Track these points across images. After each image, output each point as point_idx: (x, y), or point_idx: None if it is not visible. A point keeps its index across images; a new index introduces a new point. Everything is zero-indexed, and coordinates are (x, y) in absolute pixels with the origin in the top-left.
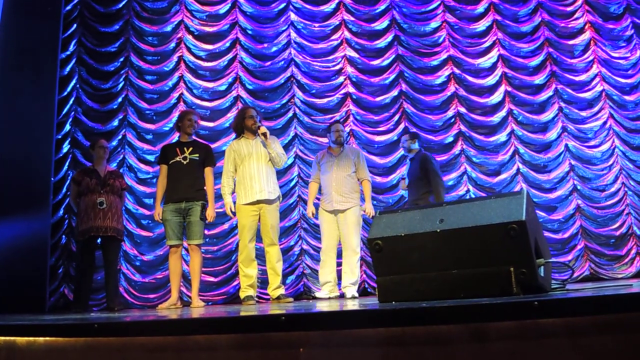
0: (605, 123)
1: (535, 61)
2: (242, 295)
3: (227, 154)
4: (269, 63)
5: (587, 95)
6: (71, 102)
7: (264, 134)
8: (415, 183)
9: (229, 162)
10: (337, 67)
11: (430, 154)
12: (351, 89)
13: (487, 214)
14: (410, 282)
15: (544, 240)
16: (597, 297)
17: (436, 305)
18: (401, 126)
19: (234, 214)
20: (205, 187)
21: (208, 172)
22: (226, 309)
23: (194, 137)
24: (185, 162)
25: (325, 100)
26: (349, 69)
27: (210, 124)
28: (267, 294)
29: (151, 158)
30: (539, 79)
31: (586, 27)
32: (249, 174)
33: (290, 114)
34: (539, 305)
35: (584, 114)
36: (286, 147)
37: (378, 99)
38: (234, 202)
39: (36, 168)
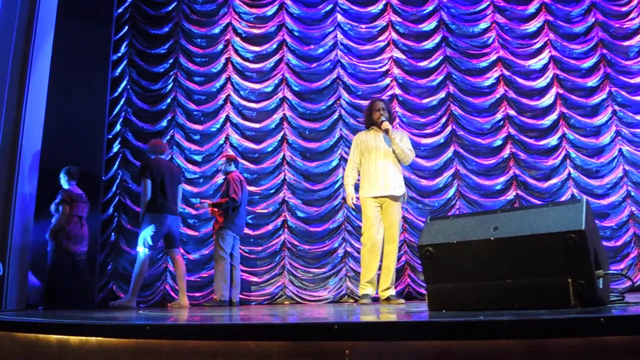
0: None
1: (588, 63)
2: (360, 292)
3: (354, 145)
4: (315, 65)
5: None
6: (122, 102)
7: (386, 130)
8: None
9: (355, 153)
10: (384, 69)
11: (239, 175)
12: (398, 91)
13: (544, 222)
14: (461, 291)
15: (603, 250)
16: None
17: (495, 319)
18: (448, 128)
19: (357, 206)
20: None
21: None
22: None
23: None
24: None
25: None
26: (396, 71)
27: (257, 125)
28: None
29: (198, 158)
30: (592, 81)
31: None
32: (374, 168)
33: (335, 115)
34: (606, 322)
35: (638, 117)
36: (331, 149)
37: (425, 100)
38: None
39: (87, 167)
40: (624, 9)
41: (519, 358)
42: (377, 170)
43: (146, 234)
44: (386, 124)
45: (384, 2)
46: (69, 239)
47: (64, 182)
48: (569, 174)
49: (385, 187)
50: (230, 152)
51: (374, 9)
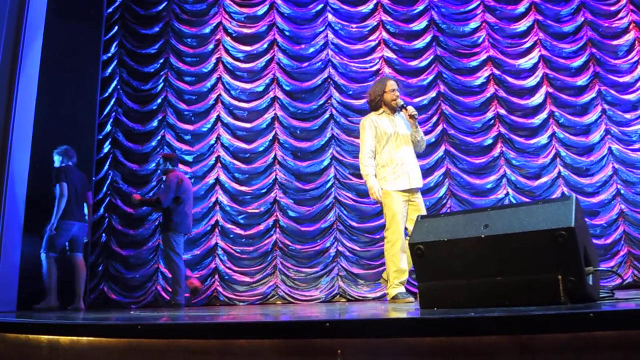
0: None
1: (577, 62)
2: (392, 293)
3: (368, 129)
4: (306, 64)
5: (631, 97)
6: (112, 103)
7: (413, 116)
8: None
9: (371, 139)
10: (375, 68)
11: (177, 174)
12: None
13: (534, 219)
14: (452, 288)
15: (593, 248)
16: None
17: (486, 315)
18: (439, 128)
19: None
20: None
21: None
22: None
23: None
24: None
25: (362, 101)
26: (387, 70)
27: (248, 125)
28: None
29: (189, 158)
30: (581, 80)
31: (631, 27)
32: (398, 157)
33: (326, 115)
34: (595, 317)
35: (628, 116)
36: (322, 149)
37: (416, 100)
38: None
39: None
40: (612, 8)
41: (509, 353)
42: (402, 160)
43: (52, 239)
44: (412, 109)
45: (374, 1)
46: None
47: None
48: (559, 172)
49: (414, 179)
50: (222, 152)
51: (365, 8)
